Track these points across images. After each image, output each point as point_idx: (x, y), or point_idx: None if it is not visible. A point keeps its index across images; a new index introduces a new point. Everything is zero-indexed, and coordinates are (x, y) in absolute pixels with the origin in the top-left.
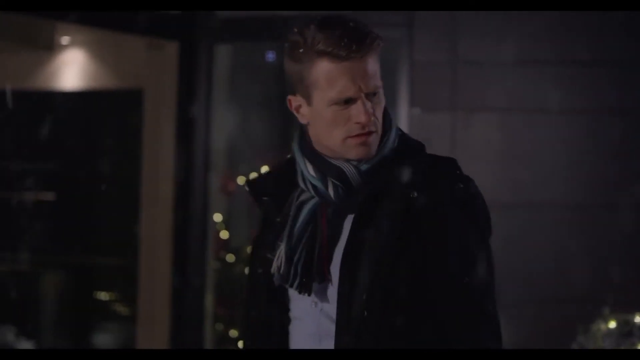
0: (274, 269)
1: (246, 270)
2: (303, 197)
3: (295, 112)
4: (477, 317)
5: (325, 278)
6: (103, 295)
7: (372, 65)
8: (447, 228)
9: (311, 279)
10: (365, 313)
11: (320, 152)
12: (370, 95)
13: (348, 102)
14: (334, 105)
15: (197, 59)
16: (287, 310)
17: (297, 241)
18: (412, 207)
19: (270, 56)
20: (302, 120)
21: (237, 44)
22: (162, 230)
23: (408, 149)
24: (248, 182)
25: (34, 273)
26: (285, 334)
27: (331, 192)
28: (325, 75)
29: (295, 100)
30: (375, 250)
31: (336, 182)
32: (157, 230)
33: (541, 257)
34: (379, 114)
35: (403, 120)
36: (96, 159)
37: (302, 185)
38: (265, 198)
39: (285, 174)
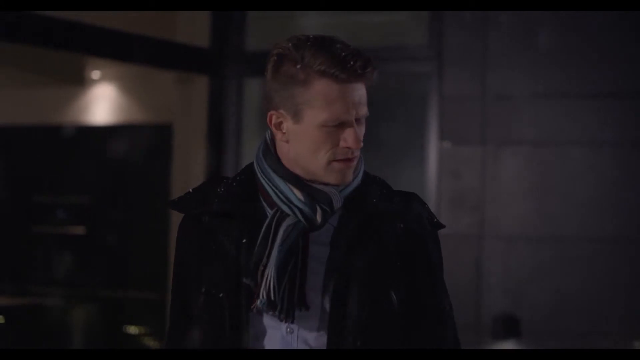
0: (261, 295)
1: (184, 291)
2: (288, 220)
3: (273, 128)
4: (454, 340)
5: (306, 305)
6: (133, 329)
7: (364, 91)
8: (427, 252)
9: (294, 306)
10: (358, 343)
11: (297, 174)
12: (360, 121)
13: (339, 125)
14: (325, 127)
15: (226, 93)
16: (247, 333)
17: (283, 267)
18: (395, 232)
19: None
20: (281, 138)
21: (266, 77)
22: None
23: (370, 178)
24: (187, 198)
25: (65, 306)
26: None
27: (319, 217)
28: (323, 95)
29: (277, 116)
30: (365, 274)
31: (325, 207)
32: None
33: (570, 290)
34: (361, 140)
35: (433, 154)
36: (126, 193)
37: (285, 208)
38: (218, 215)
39: (241, 192)
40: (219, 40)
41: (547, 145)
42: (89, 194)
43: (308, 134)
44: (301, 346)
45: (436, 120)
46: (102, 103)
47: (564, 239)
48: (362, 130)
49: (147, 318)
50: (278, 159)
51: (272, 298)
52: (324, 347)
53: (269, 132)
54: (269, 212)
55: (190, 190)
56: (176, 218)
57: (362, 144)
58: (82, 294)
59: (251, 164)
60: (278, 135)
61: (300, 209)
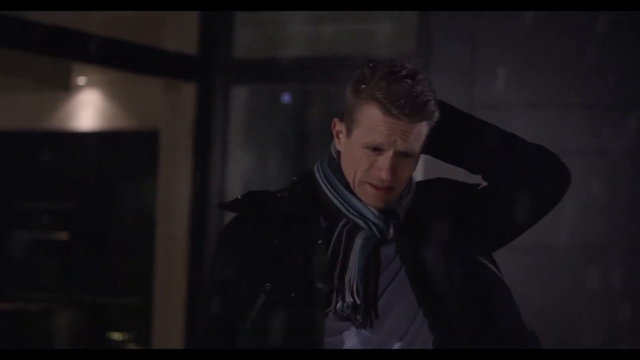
0: (346, 299)
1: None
2: (363, 233)
3: (335, 136)
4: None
5: (377, 314)
6: (116, 335)
7: (418, 129)
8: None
9: (370, 312)
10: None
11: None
12: (402, 155)
13: (377, 150)
14: (365, 148)
15: (213, 100)
16: (321, 334)
17: (366, 273)
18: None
19: (286, 97)
20: (338, 147)
21: (253, 85)
22: (176, 270)
23: (424, 185)
24: (239, 201)
25: (48, 312)
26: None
27: (391, 231)
28: (369, 119)
29: (339, 125)
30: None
31: (395, 221)
32: (172, 271)
33: (557, 298)
34: (405, 175)
35: (420, 163)
36: (111, 199)
37: (358, 222)
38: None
39: (307, 195)
40: (206, 47)
41: None
42: (74, 200)
43: (352, 151)
44: (376, 340)
45: None
46: (88, 109)
47: (552, 247)
48: (407, 166)
49: (131, 324)
50: (341, 170)
51: (357, 301)
52: (395, 342)
53: (334, 143)
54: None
55: (239, 196)
56: (163, 225)
57: (393, 178)
58: (65, 300)
59: (310, 171)
60: (336, 144)
61: (375, 224)
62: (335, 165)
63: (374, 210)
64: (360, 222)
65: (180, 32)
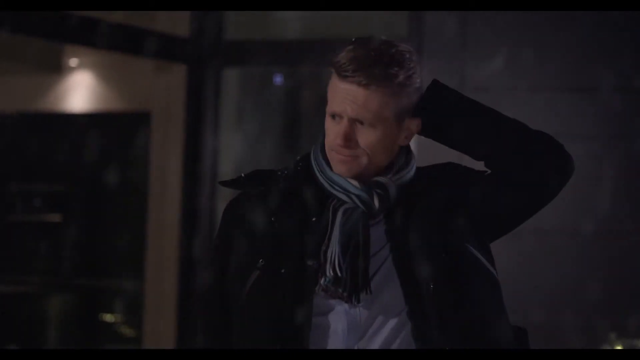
0: (327, 272)
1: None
2: (346, 205)
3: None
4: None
5: (370, 289)
6: (109, 317)
7: (371, 96)
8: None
9: (358, 287)
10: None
11: None
12: (358, 122)
13: (337, 118)
14: (329, 117)
15: (204, 82)
16: (309, 310)
17: (346, 246)
18: (454, 212)
19: (278, 79)
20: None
21: (244, 67)
22: (168, 253)
23: (433, 169)
24: (241, 179)
25: (40, 294)
26: (306, 330)
27: (376, 202)
28: (331, 88)
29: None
30: (430, 255)
31: (380, 192)
32: (164, 254)
33: (550, 283)
34: (367, 143)
35: (412, 146)
36: (103, 182)
37: (342, 197)
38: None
39: (305, 174)
40: (198, 29)
41: None
42: (66, 182)
43: (326, 122)
44: (367, 322)
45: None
46: (80, 91)
47: (543, 232)
48: (363, 134)
49: (123, 306)
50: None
51: (339, 274)
52: (387, 323)
53: None
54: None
55: (242, 174)
56: (154, 207)
57: (348, 144)
58: (58, 282)
59: (308, 154)
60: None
61: (357, 195)
62: (323, 144)
63: (355, 182)
64: (343, 196)
65: (171, 14)
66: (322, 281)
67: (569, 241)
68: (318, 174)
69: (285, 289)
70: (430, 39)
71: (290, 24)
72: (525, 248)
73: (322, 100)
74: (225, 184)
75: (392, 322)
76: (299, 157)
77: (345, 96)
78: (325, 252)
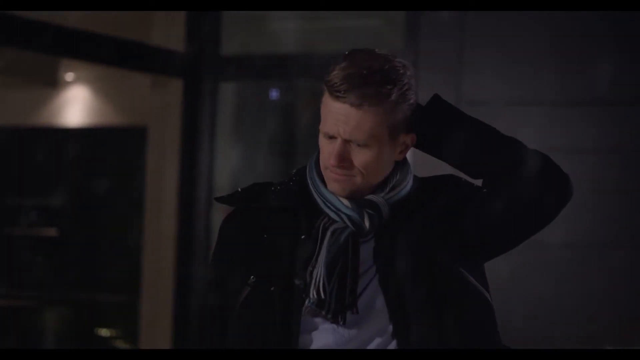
0: (311, 294)
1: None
2: (336, 225)
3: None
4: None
5: (356, 309)
6: (104, 332)
7: (369, 117)
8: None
9: (344, 307)
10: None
11: None
12: (353, 143)
13: (332, 138)
14: (324, 137)
15: (201, 97)
16: (297, 330)
17: (332, 266)
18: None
19: (274, 94)
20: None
21: (241, 82)
22: (164, 267)
23: (431, 182)
24: (237, 195)
25: (36, 308)
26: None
27: (367, 222)
28: (324, 107)
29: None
30: (416, 276)
31: (372, 212)
32: (160, 267)
33: (544, 295)
34: (361, 164)
35: (408, 159)
36: (99, 196)
37: (333, 215)
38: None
39: (299, 191)
40: (194, 43)
41: None
42: (62, 197)
43: (320, 141)
44: (353, 341)
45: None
46: (76, 105)
47: (539, 244)
48: (358, 154)
49: (119, 320)
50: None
51: (322, 297)
52: (372, 342)
53: None
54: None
55: (239, 189)
56: (151, 221)
57: (342, 164)
58: (53, 296)
59: (304, 168)
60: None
61: (347, 215)
62: (318, 166)
63: (346, 202)
64: (334, 215)
65: (167, 29)
66: (306, 302)
67: (567, 254)
68: (312, 191)
69: (273, 307)
70: (426, 52)
71: (287, 38)
72: (524, 261)
73: (319, 115)
74: (221, 200)
75: (376, 341)
76: (294, 171)
77: (337, 117)
78: (312, 272)
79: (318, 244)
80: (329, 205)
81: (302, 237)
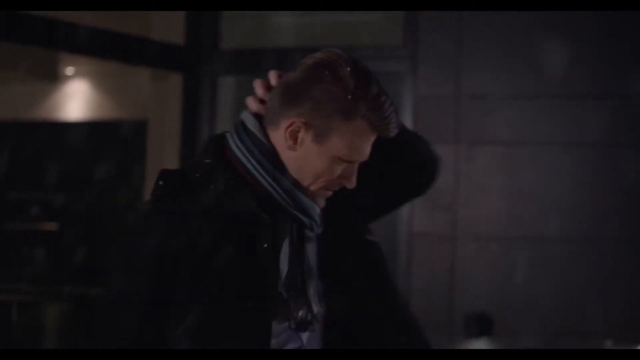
0: (313, 307)
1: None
2: (308, 232)
3: (287, 134)
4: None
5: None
6: None
7: None
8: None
9: (313, 314)
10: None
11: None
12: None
13: (349, 162)
14: (339, 160)
15: (200, 90)
16: (269, 342)
17: (324, 277)
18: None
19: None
20: (288, 145)
21: (240, 75)
22: None
23: None
24: (169, 193)
25: (37, 303)
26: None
27: (321, 227)
28: (356, 136)
29: (299, 126)
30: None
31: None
32: None
33: (543, 290)
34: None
35: None
36: (100, 190)
37: (305, 219)
38: (262, 217)
39: (235, 188)
40: (193, 37)
41: (521, 145)
42: (63, 191)
43: (321, 158)
44: (315, 345)
45: (410, 120)
46: (76, 99)
47: (537, 239)
48: (354, 170)
49: None
50: (282, 164)
51: (315, 311)
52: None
53: (258, 125)
54: (265, 215)
55: (160, 182)
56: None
57: None
58: (54, 291)
59: (223, 153)
60: (285, 141)
61: (316, 222)
62: (272, 157)
63: (317, 208)
64: (306, 220)
65: (167, 23)
66: (301, 314)
67: (566, 248)
68: (275, 193)
69: (241, 319)
70: (426, 47)
71: (286, 31)
72: (525, 255)
73: None
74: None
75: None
76: (209, 161)
77: (369, 145)
78: (304, 282)
79: (297, 253)
80: (300, 210)
81: (265, 245)
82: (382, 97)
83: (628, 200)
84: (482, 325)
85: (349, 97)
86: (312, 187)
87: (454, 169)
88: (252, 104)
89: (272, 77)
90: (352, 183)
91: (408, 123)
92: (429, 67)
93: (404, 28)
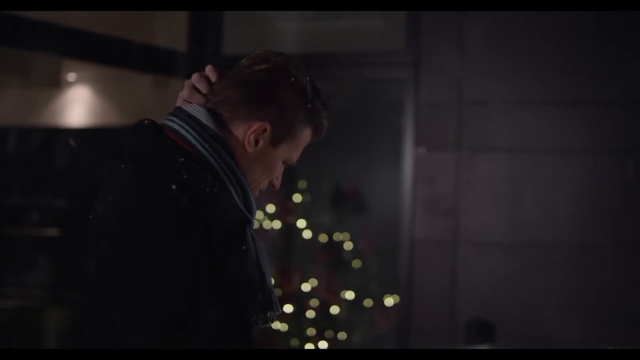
0: (276, 306)
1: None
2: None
3: (251, 134)
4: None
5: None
6: None
7: None
8: None
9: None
10: None
11: None
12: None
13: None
14: (283, 163)
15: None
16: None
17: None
18: None
19: None
20: (248, 146)
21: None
22: None
23: None
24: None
25: (38, 309)
26: None
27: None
28: (303, 140)
29: (264, 129)
30: None
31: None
32: None
33: (544, 296)
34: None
35: (408, 159)
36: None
37: (252, 218)
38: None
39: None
40: (196, 44)
41: (522, 151)
42: (63, 197)
43: (270, 160)
44: None
45: (412, 126)
46: (78, 105)
47: (538, 245)
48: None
49: None
50: (239, 165)
51: (277, 307)
52: None
53: (215, 124)
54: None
55: (173, 187)
56: None
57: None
58: (55, 297)
59: (200, 165)
60: (245, 142)
61: (253, 220)
62: (231, 156)
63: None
64: (252, 220)
65: (169, 29)
66: (270, 314)
67: (568, 254)
68: (241, 197)
69: (249, 328)
70: (428, 54)
71: (288, 37)
72: (523, 261)
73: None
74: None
75: None
76: (198, 170)
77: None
78: (269, 283)
79: (255, 252)
80: (249, 206)
81: (243, 247)
82: (325, 107)
83: (629, 207)
84: (483, 331)
85: (309, 105)
86: (254, 187)
87: (456, 175)
88: (181, 99)
89: (212, 73)
90: (278, 185)
91: (410, 129)
92: (431, 74)
93: (406, 34)
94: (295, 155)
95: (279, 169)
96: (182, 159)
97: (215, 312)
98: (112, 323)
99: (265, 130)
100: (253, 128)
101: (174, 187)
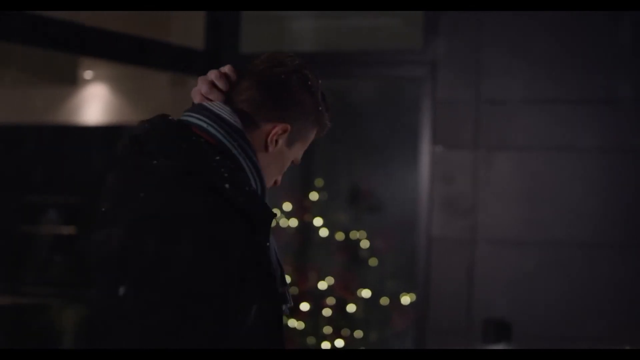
0: (289, 299)
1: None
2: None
3: (274, 135)
4: None
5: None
6: None
7: None
8: None
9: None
10: None
11: None
12: None
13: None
14: (291, 161)
15: None
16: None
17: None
18: None
19: None
20: (271, 148)
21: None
22: None
23: None
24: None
25: (54, 306)
26: None
27: None
28: (308, 141)
29: (285, 128)
30: None
31: None
32: None
33: (561, 294)
34: None
35: (426, 158)
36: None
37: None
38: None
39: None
40: (213, 42)
41: (539, 150)
42: (80, 194)
43: (286, 160)
44: None
45: (429, 125)
46: (95, 103)
47: (555, 243)
48: None
49: None
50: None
51: (291, 302)
52: None
53: (241, 123)
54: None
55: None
56: None
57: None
58: (72, 294)
59: (240, 168)
60: (266, 143)
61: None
62: (255, 155)
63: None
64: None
65: (186, 27)
66: (285, 308)
67: (585, 252)
68: (260, 195)
69: (280, 324)
70: (445, 53)
71: (306, 36)
72: (538, 259)
73: (338, 115)
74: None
75: None
76: (233, 166)
77: None
78: (285, 277)
79: (273, 246)
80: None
81: (267, 244)
82: (329, 109)
83: None
84: (500, 330)
85: (319, 107)
86: (270, 181)
87: (473, 174)
88: (198, 95)
89: (232, 72)
90: (279, 182)
91: (427, 128)
92: (449, 72)
93: (423, 33)
94: (301, 155)
95: (285, 167)
96: (217, 157)
97: (260, 306)
98: (168, 319)
99: (286, 131)
100: (277, 129)
101: (227, 185)
